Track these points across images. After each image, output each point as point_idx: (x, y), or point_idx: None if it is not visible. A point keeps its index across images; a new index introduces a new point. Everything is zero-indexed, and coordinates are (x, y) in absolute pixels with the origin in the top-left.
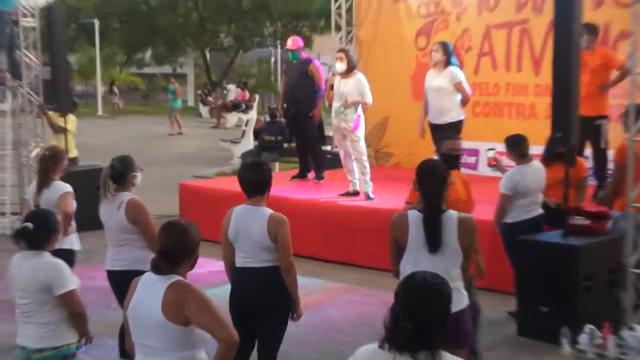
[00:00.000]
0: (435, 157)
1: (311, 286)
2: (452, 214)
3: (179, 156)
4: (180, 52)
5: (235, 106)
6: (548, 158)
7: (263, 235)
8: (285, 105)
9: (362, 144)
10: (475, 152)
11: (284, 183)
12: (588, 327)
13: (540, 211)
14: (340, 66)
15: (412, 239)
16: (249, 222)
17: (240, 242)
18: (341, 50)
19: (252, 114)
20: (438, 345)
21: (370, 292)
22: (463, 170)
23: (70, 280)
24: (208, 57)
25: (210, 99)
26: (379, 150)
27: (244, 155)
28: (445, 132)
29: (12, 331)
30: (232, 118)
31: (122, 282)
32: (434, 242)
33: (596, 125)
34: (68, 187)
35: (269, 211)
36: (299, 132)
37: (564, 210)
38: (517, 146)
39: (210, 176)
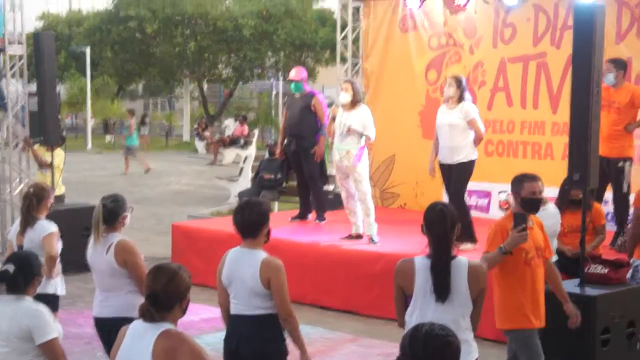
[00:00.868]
0: (505, 205)
1: (311, 335)
2: (462, 261)
3: (173, 194)
4: (176, 82)
5: (233, 141)
6: (564, 202)
7: (255, 280)
8: (285, 140)
9: (367, 184)
10: (487, 194)
11: (284, 224)
12: None
13: (554, 259)
14: (345, 97)
15: (419, 287)
16: (241, 267)
17: (234, 287)
18: (347, 81)
19: (251, 150)
20: None
21: (373, 343)
22: (474, 213)
23: (52, 328)
24: (205, 89)
25: (206, 133)
26: (385, 190)
27: (242, 194)
28: (525, 174)
29: None
30: (229, 154)
31: (110, 330)
32: (442, 290)
33: (619, 168)
34: (53, 227)
35: (262, 255)
36: (299, 169)
37: (580, 258)
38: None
39: (205, 216)
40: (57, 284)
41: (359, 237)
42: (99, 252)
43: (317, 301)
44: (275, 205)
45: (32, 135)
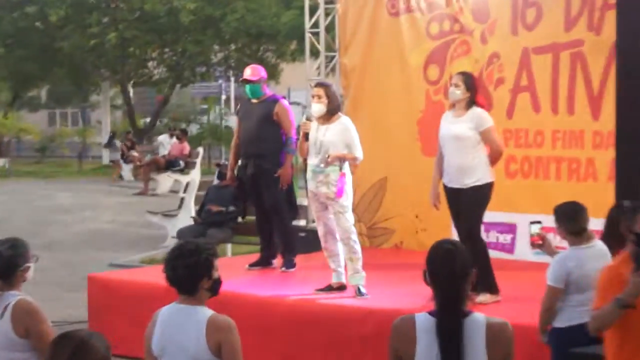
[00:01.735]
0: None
1: None
2: (478, 319)
3: (90, 236)
4: (91, 87)
5: (169, 164)
6: (611, 238)
7: (200, 345)
8: (239, 161)
9: (350, 218)
10: (510, 228)
11: (240, 273)
12: None
13: None
14: (318, 107)
15: (422, 354)
16: (180, 329)
17: (169, 356)
18: (319, 85)
19: (194, 175)
20: None
21: None
22: (493, 253)
23: None
24: (132, 94)
25: (134, 153)
26: (374, 225)
27: (183, 234)
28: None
29: None
30: (165, 181)
31: None
32: (452, 358)
33: None
34: None
35: (208, 312)
36: (259, 199)
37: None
38: (571, 219)
39: (133, 264)
40: None
41: (341, 288)
42: None
43: None
44: (228, 248)
45: None
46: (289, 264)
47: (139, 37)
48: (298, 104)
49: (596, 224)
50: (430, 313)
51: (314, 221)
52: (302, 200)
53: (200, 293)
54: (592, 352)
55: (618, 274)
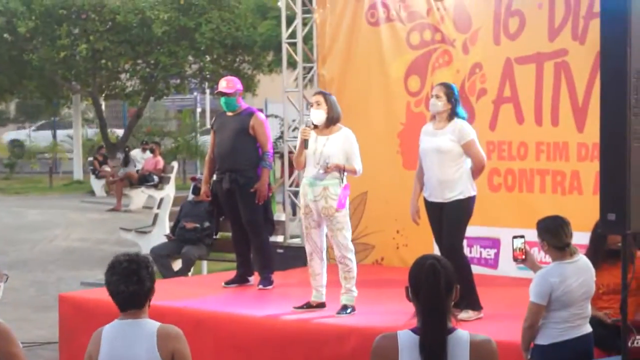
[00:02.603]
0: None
1: None
2: (462, 336)
3: (60, 254)
4: (62, 101)
5: (143, 179)
6: (597, 253)
7: (152, 357)
8: (215, 175)
9: (348, 235)
10: (494, 243)
11: (215, 291)
12: None
13: (588, 329)
14: (318, 114)
15: None
16: (128, 344)
17: None
18: (319, 92)
19: (168, 190)
20: None
21: None
22: (476, 269)
23: None
24: (103, 108)
25: (106, 168)
26: (354, 241)
27: (157, 251)
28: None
29: None
30: (138, 196)
31: None
32: None
33: None
34: None
35: (155, 323)
36: (235, 215)
37: (622, 327)
38: (554, 234)
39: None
40: None
41: (320, 306)
42: None
43: None
44: (204, 265)
45: None
46: (266, 281)
47: (111, 49)
48: (275, 116)
49: (581, 237)
50: (413, 330)
51: (292, 237)
52: (279, 216)
53: (146, 305)
54: None
55: None
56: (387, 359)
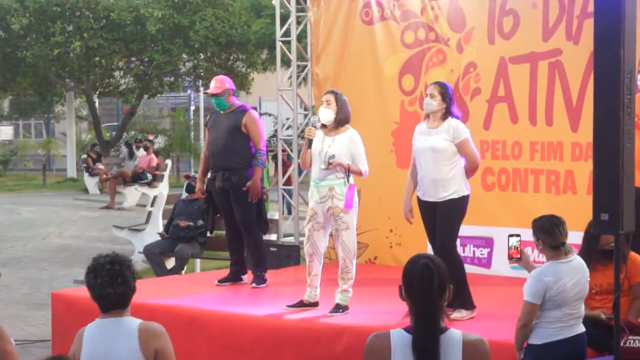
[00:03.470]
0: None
1: None
2: (454, 335)
3: (53, 252)
4: (56, 98)
5: (137, 177)
6: (591, 253)
7: (134, 355)
8: (209, 174)
9: (354, 235)
10: (487, 242)
11: (209, 289)
12: None
13: (581, 328)
14: (327, 113)
15: None
16: (111, 342)
17: None
18: (330, 92)
19: (162, 188)
20: None
21: None
22: (469, 269)
23: None
24: (97, 105)
25: (100, 166)
26: None
27: (150, 249)
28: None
29: None
30: (132, 194)
31: None
32: None
33: None
34: None
35: (136, 321)
36: (228, 213)
37: (615, 327)
38: (549, 233)
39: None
40: None
41: (312, 305)
42: None
43: None
44: (197, 263)
45: None
46: (259, 279)
47: (105, 47)
48: (269, 115)
49: (576, 237)
50: (405, 329)
51: (285, 236)
52: (273, 214)
53: (128, 306)
54: None
55: None
56: (380, 358)
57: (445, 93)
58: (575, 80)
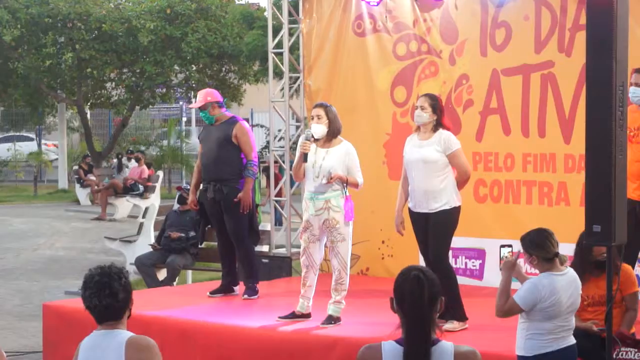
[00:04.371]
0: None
1: None
2: (446, 347)
3: (44, 263)
4: (47, 109)
5: (128, 188)
6: (583, 265)
7: None
8: (201, 185)
9: (349, 247)
10: (479, 254)
11: (200, 301)
12: None
13: (571, 340)
14: (320, 128)
15: None
16: (99, 355)
17: None
18: (319, 105)
19: (154, 200)
20: None
21: None
22: (462, 280)
23: None
24: (89, 116)
25: (91, 177)
26: None
27: (141, 261)
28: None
29: None
30: (124, 206)
31: None
32: None
33: None
34: None
35: (127, 334)
36: (220, 225)
37: (607, 339)
38: (542, 245)
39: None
40: None
41: (305, 316)
42: None
43: None
44: (189, 274)
45: None
46: (251, 291)
47: (97, 58)
48: (262, 126)
49: (569, 249)
50: (397, 341)
51: (277, 247)
52: (265, 226)
53: (124, 317)
54: None
55: None
56: None
57: (436, 105)
58: (567, 92)
